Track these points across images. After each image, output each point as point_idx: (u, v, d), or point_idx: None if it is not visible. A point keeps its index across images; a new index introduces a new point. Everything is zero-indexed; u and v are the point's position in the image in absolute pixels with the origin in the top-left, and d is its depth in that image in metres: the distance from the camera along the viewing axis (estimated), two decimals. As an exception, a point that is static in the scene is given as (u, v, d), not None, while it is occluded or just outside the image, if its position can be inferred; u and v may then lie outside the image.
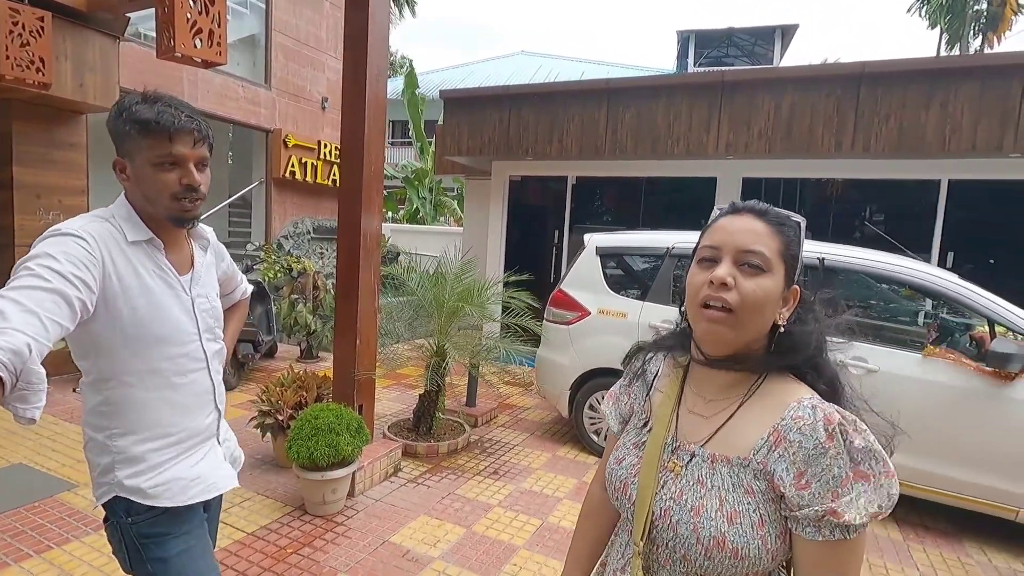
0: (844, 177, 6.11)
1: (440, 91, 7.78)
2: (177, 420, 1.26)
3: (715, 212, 0.94)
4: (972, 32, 21.14)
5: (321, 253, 9.13)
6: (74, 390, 4.52)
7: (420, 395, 4.15)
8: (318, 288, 6.59)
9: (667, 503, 0.86)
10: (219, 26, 3.26)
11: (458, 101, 7.42)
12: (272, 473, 3.52)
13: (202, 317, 1.29)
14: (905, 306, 4.25)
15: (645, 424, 0.99)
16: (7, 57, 3.96)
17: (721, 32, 21.66)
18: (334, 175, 9.07)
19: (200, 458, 1.32)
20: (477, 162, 7.75)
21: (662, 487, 0.88)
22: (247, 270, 5.98)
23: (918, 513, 3.45)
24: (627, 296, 4.16)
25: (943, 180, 5.63)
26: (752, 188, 6.38)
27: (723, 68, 10.56)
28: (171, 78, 6.73)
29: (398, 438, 3.97)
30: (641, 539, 0.87)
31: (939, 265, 5.54)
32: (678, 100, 6.04)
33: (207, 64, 3.44)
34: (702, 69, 19.16)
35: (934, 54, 18.99)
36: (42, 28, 4.12)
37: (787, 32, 20.89)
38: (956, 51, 20.82)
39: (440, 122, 7.53)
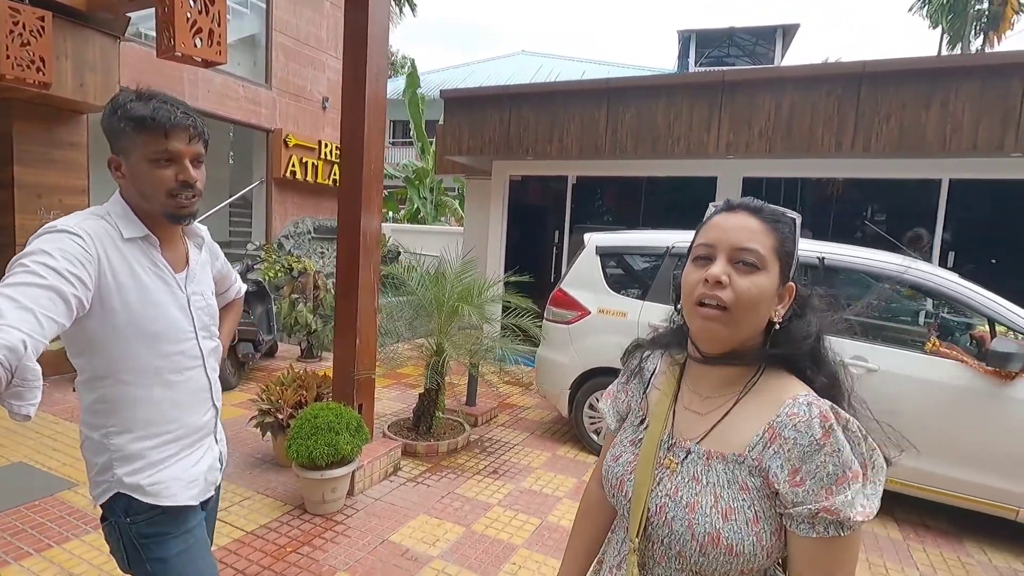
0: (845, 177, 6.11)
1: (440, 91, 7.79)
2: (174, 417, 1.26)
3: (710, 210, 0.94)
4: (973, 32, 21.11)
5: (322, 253, 9.14)
6: (73, 389, 4.52)
7: (420, 394, 4.15)
8: (318, 288, 6.59)
9: (663, 500, 0.86)
10: (219, 25, 3.26)
11: (458, 101, 7.43)
12: (272, 472, 3.52)
13: (198, 315, 1.29)
14: (905, 305, 4.24)
15: (642, 421, 1.00)
16: (7, 57, 3.96)
17: (722, 32, 21.65)
18: (335, 175, 9.08)
19: (200, 457, 1.32)
20: (477, 162, 7.75)
21: (658, 484, 0.88)
22: (248, 269, 5.98)
23: (918, 512, 3.44)
24: (627, 295, 4.16)
25: (944, 180, 5.62)
26: (753, 188, 6.37)
27: (724, 68, 10.55)
28: (172, 78, 6.74)
29: (398, 437, 3.97)
30: (637, 536, 0.88)
31: (940, 265, 5.53)
32: (678, 100, 6.04)
33: (207, 64, 3.44)
34: (703, 69, 19.15)
35: (935, 54, 18.95)
36: (42, 28, 4.13)
37: (788, 32, 20.87)
38: (958, 51, 20.79)
39: (441, 122, 7.54)
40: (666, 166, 6.65)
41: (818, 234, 6.11)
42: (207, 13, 3.18)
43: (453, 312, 4.07)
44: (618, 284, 4.25)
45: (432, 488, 3.44)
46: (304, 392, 3.52)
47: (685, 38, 22.06)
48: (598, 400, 4.24)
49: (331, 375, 3.54)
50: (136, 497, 1.21)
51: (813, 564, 0.77)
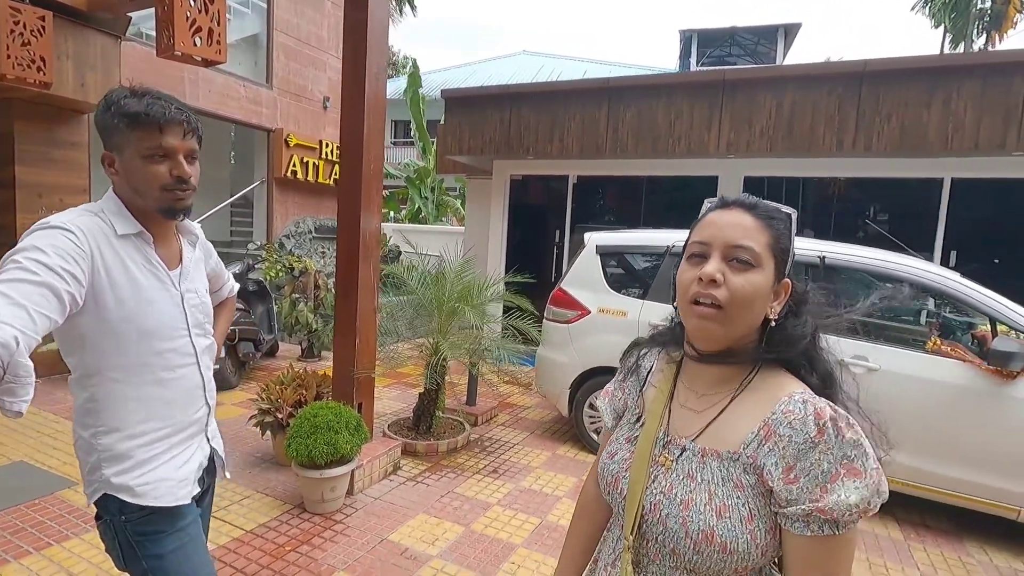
0: (846, 176, 6.10)
1: (441, 90, 7.79)
2: (166, 415, 1.25)
3: (705, 206, 0.93)
4: (976, 31, 21.06)
5: (322, 252, 9.14)
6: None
7: (420, 394, 4.15)
8: (319, 287, 6.60)
9: (657, 497, 0.85)
10: (219, 24, 3.26)
11: (459, 100, 7.43)
12: (272, 471, 3.52)
13: (191, 312, 1.29)
14: (906, 305, 4.23)
15: (638, 419, 0.99)
16: (8, 56, 3.97)
17: (724, 31, 21.62)
18: (335, 175, 9.06)
19: (190, 455, 1.32)
20: (478, 161, 7.75)
21: (653, 481, 0.88)
22: (249, 269, 5.98)
23: (919, 512, 3.43)
24: (627, 295, 4.16)
25: (946, 179, 5.61)
26: (754, 187, 6.36)
27: (724, 68, 10.54)
28: (172, 77, 6.75)
29: (398, 436, 3.97)
30: (631, 533, 0.87)
31: (942, 264, 5.51)
32: (679, 99, 6.03)
33: (207, 63, 3.44)
34: (705, 68, 19.12)
35: (937, 53, 18.90)
36: (43, 27, 4.13)
37: (790, 31, 20.84)
38: (960, 50, 20.74)
39: (442, 122, 7.54)
40: (667, 165, 6.65)
41: (819, 233, 6.11)
42: (206, 12, 3.18)
43: (452, 312, 4.07)
44: (618, 283, 4.24)
45: (432, 487, 3.44)
46: (304, 391, 3.52)
47: (687, 38, 22.05)
48: (598, 399, 4.22)
49: (331, 374, 3.54)
50: (125, 499, 1.20)
51: (808, 563, 0.77)
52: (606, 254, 4.31)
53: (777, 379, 0.86)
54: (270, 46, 8.28)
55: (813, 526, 0.75)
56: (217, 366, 4.81)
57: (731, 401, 0.87)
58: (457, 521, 3.05)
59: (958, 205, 5.62)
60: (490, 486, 3.51)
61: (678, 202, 6.91)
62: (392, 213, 15.72)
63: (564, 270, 4.61)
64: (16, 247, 1.00)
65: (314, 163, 8.87)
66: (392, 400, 5.15)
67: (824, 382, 0.86)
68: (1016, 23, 20.35)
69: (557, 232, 7.65)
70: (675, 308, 0.95)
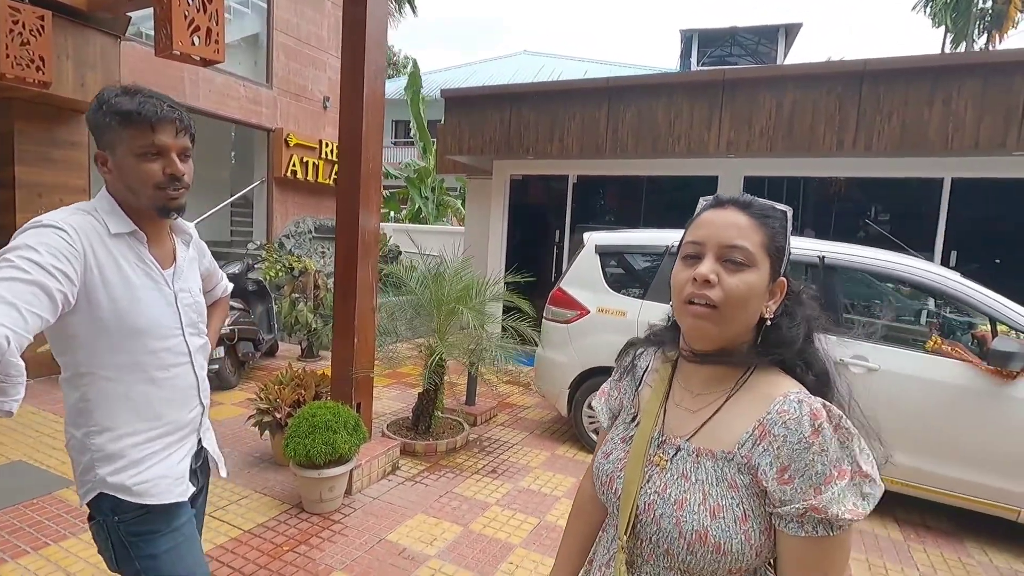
0: (846, 175, 6.09)
1: (441, 90, 7.79)
2: (158, 414, 1.25)
3: (700, 204, 0.93)
4: (977, 30, 21.03)
5: (322, 252, 9.14)
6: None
7: (419, 394, 4.15)
8: (319, 287, 6.60)
9: (651, 497, 0.85)
10: (217, 24, 3.26)
11: (459, 100, 7.43)
12: (270, 471, 3.52)
13: (185, 311, 1.28)
14: (906, 304, 4.23)
15: (633, 419, 0.99)
16: (7, 56, 3.97)
17: (724, 31, 21.62)
18: (335, 174, 9.07)
19: (184, 455, 1.31)
20: (478, 161, 7.75)
21: (647, 481, 0.87)
22: (248, 269, 5.98)
23: (919, 512, 3.42)
24: (626, 294, 4.15)
25: (946, 178, 5.60)
26: (754, 186, 6.35)
27: (725, 67, 10.54)
28: (172, 77, 6.75)
29: (397, 436, 3.97)
30: (625, 533, 0.87)
31: (942, 264, 5.50)
32: (679, 98, 6.03)
33: (205, 62, 3.44)
34: (706, 68, 19.11)
35: (938, 53, 18.87)
36: (42, 27, 4.13)
37: (791, 31, 20.83)
38: (961, 49, 20.71)
39: (442, 121, 7.54)
40: (667, 165, 6.64)
41: (820, 233, 6.11)
42: (205, 11, 3.18)
43: (451, 313, 4.06)
44: (617, 283, 4.24)
45: (430, 487, 3.43)
46: (303, 391, 3.52)
47: (687, 38, 22.05)
48: (594, 399, 4.19)
49: (330, 374, 3.54)
50: (122, 498, 1.20)
51: (802, 564, 0.76)
52: (605, 254, 4.30)
53: (772, 378, 0.85)
54: (270, 46, 8.28)
55: (807, 527, 0.74)
56: (215, 366, 4.79)
57: (726, 401, 0.86)
58: (455, 521, 3.05)
59: (958, 205, 5.60)
60: (489, 486, 3.50)
61: (678, 202, 6.90)
62: (392, 213, 15.71)
63: (564, 270, 4.61)
64: (8, 245, 0.99)
65: (314, 163, 8.87)
66: (391, 400, 5.15)
67: (820, 381, 0.85)
68: (1017, 23, 20.32)
69: (557, 232, 7.64)
70: (672, 307, 0.95)
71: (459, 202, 14.73)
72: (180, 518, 1.27)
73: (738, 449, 0.81)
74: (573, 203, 7.46)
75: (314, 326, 6.31)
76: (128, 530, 1.21)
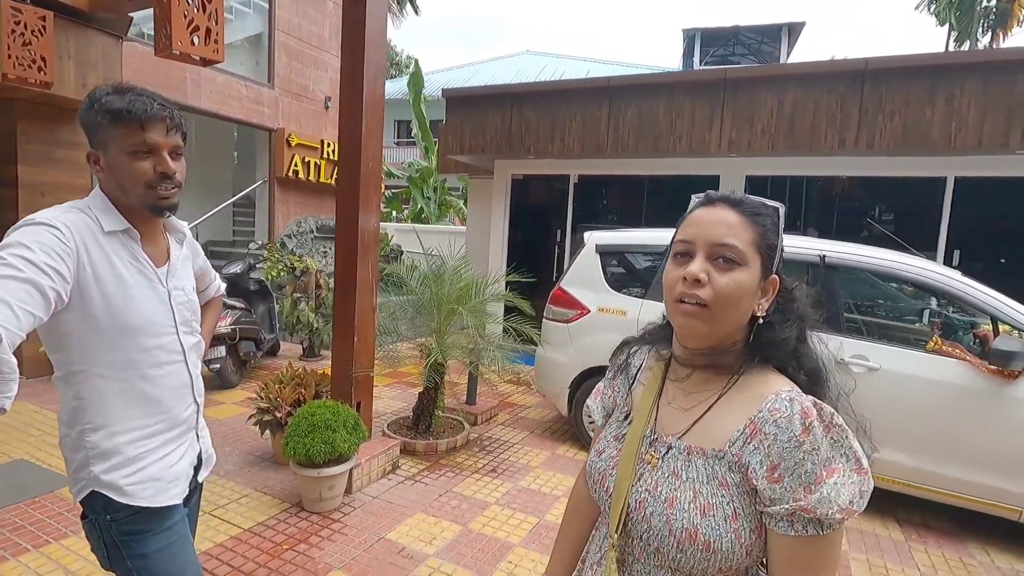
0: (848, 175, 6.07)
1: (442, 90, 7.79)
2: (153, 412, 1.25)
3: (692, 202, 0.92)
4: (981, 29, 20.94)
5: (324, 252, 9.15)
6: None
7: (419, 393, 4.15)
8: (320, 287, 6.61)
9: (642, 495, 0.85)
10: (216, 24, 3.27)
11: (460, 100, 7.43)
12: (270, 470, 3.53)
13: (179, 310, 1.29)
14: (907, 304, 4.21)
15: (626, 417, 0.99)
16: (9, 56, 3.99)
17: (727, 30, 21.57)
18: (337, 174, 9.09)
19: (181, 455, 1.31)
20: (479, 161, 7.75)
21: (638, 479, 0.87)
22: (250, 268, 5.99)
23: (920, 512, 3.41)
24: (627, 294, 4.14)
25: (949, 177, 5.58)
26: (756, 186, 6.34)
27: (726, 66, 10.51)
28: (175, 77, 6.77)
29: (397, 436, 3.97)
30: (616, 532, 0.87)
31: (945, 263, 5.48)
32: (680, 98, 6.02)
33: (205, 62, 3.45)
34: (708, 68, 19.07)
35: (942, 51, 18.78)
36: (44, 27, 4.15)
37: (794, 30, 20.77)
38: (965, 48, 20.62)
39: (443, 121, 7.55)
40: (668, 165, 6.63)
41: (823, 232, 6.09)
42: (204, 11, 3.19)
43: (451, 312, 4.06)
44: (618, 282, 4.23)
45: (430, 486, 3.44)
46: (303, 390, 3.52)
47: (690, 37, 22.00)
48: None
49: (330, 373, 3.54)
50: (113, 497, 1.20)
51: (792, 563, 0.76)
52: (606, 253, 4.30)
53: (765, 377, 0.85)
54: (272, 46, 8.29)
55: (797, 526, 0.74)
56: (217, 366, 4.79)
57: (718, 399, 0.86)
58: (455, 520, 3.05)
59: (961, 204, 5.58)
60: (488, 485, 3.50)
61: (680, 201, 6.70)
62: (395, 213, 15.73)
63: (564, 269, 4.60)
64: (1, 243, 0.99)
65: (316, 163, 8.88)
66: (392, 399, 5.15)
67: (812, 380, 0.85)
68: (1022, 21, 20.23)
69: (558, 231, 7.64)
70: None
71: (461, 202, 14.73)
72: (172, 518, 1.27)
73: (729, 447, 0.81)
74: (574, 203, 7.45)
75: (315, 326, 6.32)
76: (120, 529, 1.21)
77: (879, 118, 5.16)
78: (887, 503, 3.41)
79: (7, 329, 0.85)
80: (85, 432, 1.19)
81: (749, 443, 0.79)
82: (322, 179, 8.96)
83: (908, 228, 5.90)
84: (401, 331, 4.27)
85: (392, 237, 9.85)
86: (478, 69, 23.71)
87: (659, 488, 0.84)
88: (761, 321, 0.86)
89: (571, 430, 4.45)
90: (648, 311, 3.87)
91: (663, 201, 7.03)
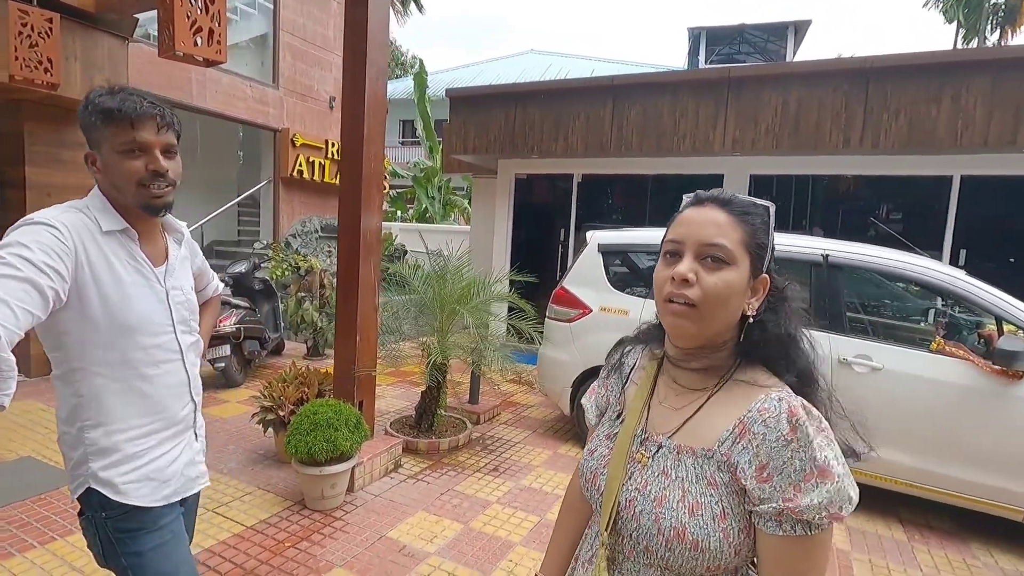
0: (853, 173, 6.03)
1: (446, 89, 7.80)
2: (150, 411, 1.26)
3: (683, 201, 0.93)
4: (990, 26, 20.76)
5: (329, 252, 9.19)
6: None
7: (422, 392, 4.16)
8: (324, 286, 6.63)
9: (632, 494, 0.85)
10: (219, 25, 3.29)
11: (464, 100, 7.44)
12: (273, 468, 3.55)
13: (176, 309, 1.30)
14: (912, 303, 4.18)
15: (619, 416, 0.99)
16: (16, 58, 4.02)
17: (733, 29, 21.44)
18: (339, 174, 9.12)
19: (177, 455, 1.32)
20: (483, 160, 7.76)
21: (629, 478, 0.88)
22: (255, 268, 6.03)
23: (922, 513, 3.39)
24: (629, 293, 4.14)
25: (955, 176, 5.54)
26: (762, 185, 6.32)
27: (730, 65, 10.48)
28: (179, 78, 6.81)
29: (399, 434, 3.98)
30: (606, 530, 0.87)
31: (951, 263, 5.45)
32: (684, 97, 6.00)
33: (208, 63, 3.47)
34: (712, 66, 19.00)
35: (950, 48, 18.64)
36: (50, 29, 4.18)
37: (800, 28, 20.62)
38: (973, 45, 20.45)
39: (447, 121, 7.56)
40: (672, 164, 6.62)
41: (828, 232, 6.06)
42: (207, 12, 3.21)
43: (453, 312, 4.07)
44: (620, 282, 4.23)
45: (432, 485, 3.45)
46: (306, 389, 3.54)
47: (696, 35, 21.89)
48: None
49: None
50: (108, 495, 1.21)
51: (781, 563, 0.76)
52: (608, 252, 4.29)
53: (755, 376, 0.85)
54: (276, 46, 8.34)
55: (785, 526, 0.74)
56: (222, 364, 4.80)
57: (708, 399, 0.87)
58: (456, 519, 3.06)
59: (968, 203, 5.54)
60: (490, 484, 3.51)
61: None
62: (400, 213, 15.75)
63: (567, 268, 4.60)
64: (0, 243, 1.01)
65: (320, 163, 8.92)
66: (395, 398, 5.17)
67: (802, 380, 0.85)
68: (1031, 18, 20.02)
69: (562, 231, 7.64)
70: None
71: (466, 201, 14.74)
72: (166, 517, 1.28)
73: (718, 447, 0.81)
74: (578, 202, 7.45)
75: (320, 325, 6.34)
76: (115, 526, 1.22)
77: (884, 117, 5.13)
78: (890, 503, 3.40)
79: (6, 327, 0.87)
80: (84, 429, 1.20)
81: (738, 443, 0.79)
82: (327, 179, 8.99)
83: (914, 227, 5.86)
84: (404, 330, 4.28)
85: (396, 237, 9.87)
86: (483, 68, 23.72)
87: (649, 487, 0.84)
88: (751, 320, 0.86)
89: (573, 429, 4.46)
90: (650, 310, 3.84)
91: (667, 200, 7.02)
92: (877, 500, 3.36)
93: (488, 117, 7.11)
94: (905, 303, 4.17)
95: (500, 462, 3.87)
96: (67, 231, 1.08)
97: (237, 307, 5.23)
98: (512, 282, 4.79)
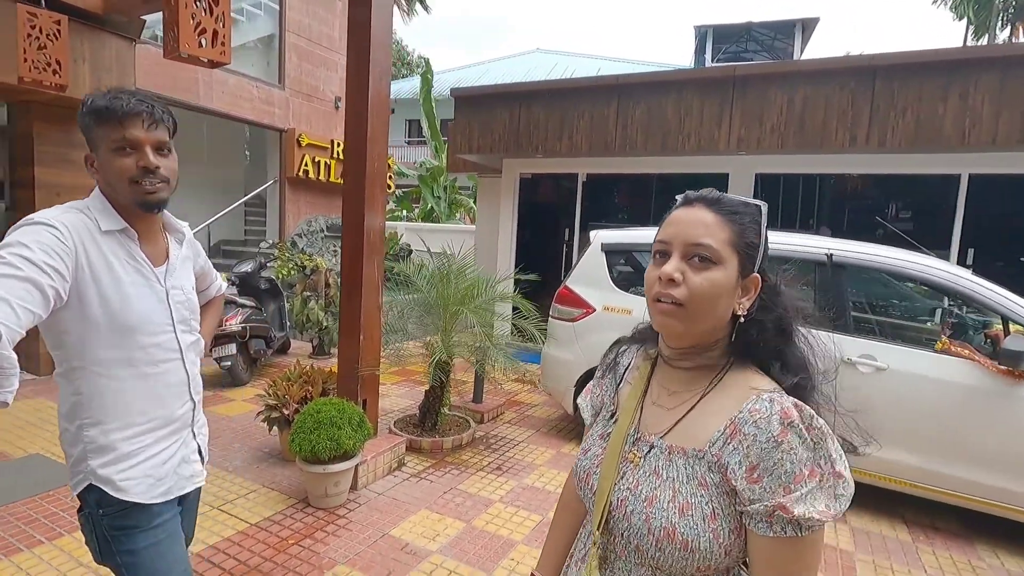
0: (860, 172, 5.99)
1: (451, 89, 7.81)
2: (148, 409, 1.27)
3: (675, 202, 0.93)
4: (1000, 23, 20.53)
5: (334, 251, 9.23)
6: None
7: (426, 391, 4.18)
8: (330, 285, 6.67)
9: (624, 493, 0.86)
10: (223, 26, 3.31)
11: (468, 99, 7.44)
12: (278, 466, 3.58)
13: (176, 308, 1.31)
14: (917, 303, 4.15)
15: (612, 416, 1.00)
16: (25, 60, 4.07)
17: (740, 27, 21.32)
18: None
19: (173, 453, 1.33)
20: (488, 160, 7.76)
21: (621, 478, 0.88)
22: (261, 267, 6.07)
23: (928, 514, 3.37)
24: (633, 293, 4.14)
25: (963, 174, 5.49)
26: (768, 184, 6.29)
27: (735, 63, 10.43)
28: (186, 79, 6.86)
29: (403, 433, 4.00)
30: (598, 529, 0.88)
31: (959, 262, 5.40)
32: (689, 95, 5.98)
33: (212, 64, 3.49)
34: (718, 65, 18.90)
35: (960, 46, 18.44)
36: (59, 31, 4.23)
37: (808, 26, 20.48)
38: (984, 43, 20.23)
39: (452, 120, 7.57)
40: (677, 163, 6.59)
41: (835, 231, 6.02)
42: (211, 14, 3.24)
43: (456, 312, 4.08)
44: (624, 281, 4.23)
45: (435, 484, 3.46)
46: (310, 388, 3.57)
47: (702, 33, 21.78)
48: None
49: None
50: (105, 491, 1.23)
51: (771, 564, 0.76)
52: (611, 252, 4.29)
53: (747, 377, 0.85)
54: (282, 47, 8.38)
55: (776, 527, 0.75)
56: (228, 363, 4.83)
57: (700, 399, 0.87)
58: (459, 517, 3.07)
59: (976, 202, 5.49)
60: (493, 483, 3.52)
61: None
62: (405, 212, 15.79)
63: (572, 267, 4.60)
64: (1, 243, 1.03)
65: (326, 162, 8.96)
66: (400, 397, 5.19)
67: (795, 379, 0.84)
68: (1043, 15, 19.78)
69: (567, 230, 7.63)
70: None
71: (471, 201, 14.75)
72: (163, 515, 1.29)
73: (709, 447, 0.81)
74: (583, 201, 7.44)
75: (325, 324, 6.37)
76: (111, 524, 1.24)
77: (891, 115, 5.09)
78: (894, 504, 3.38)
79: (7, 326, 0.88)
80: (84, 426, 1.22)
81: (729, 443, 0.79)
82: (332, 179, 9.04)
83: (921, 226, 5.81)
84: (409, 330, 4.30)
85: (402, 236, 9.89)
86: (488, 68, 23.73)
87: (640, 487, 0.84)
88: (743, 320, 0.86)
89: (577, 429, 4.46)
90: (653, 310, 3.85)
91: (671, 200, 6.98)
92: (882, 500, 3.34)
93: (492, 116, 7.11)
94: (910, 303, 4.14)
95: (503, 461, 3.87)
96: (67, 231, 1.10)
97: (243, 306, 5.26)
98: (517, 281, 4.79)
